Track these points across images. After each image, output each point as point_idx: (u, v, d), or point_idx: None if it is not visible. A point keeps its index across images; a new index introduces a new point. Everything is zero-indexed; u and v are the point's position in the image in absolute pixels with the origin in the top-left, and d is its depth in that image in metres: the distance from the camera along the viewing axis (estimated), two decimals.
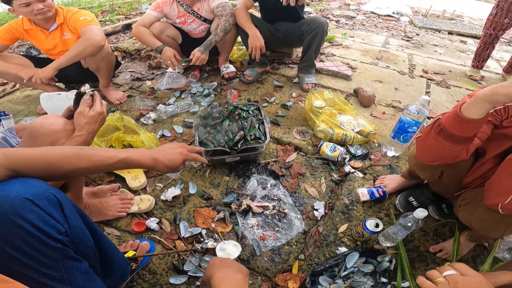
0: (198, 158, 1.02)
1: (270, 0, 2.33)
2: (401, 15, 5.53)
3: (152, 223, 1.36)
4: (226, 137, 1.61)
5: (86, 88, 1.02)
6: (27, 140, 0.95)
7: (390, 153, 1.80)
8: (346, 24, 4.60)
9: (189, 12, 2.32)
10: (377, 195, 1.51)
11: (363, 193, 1.53)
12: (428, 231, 1.43)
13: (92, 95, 1.04)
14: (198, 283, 1.15)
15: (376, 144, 1.90)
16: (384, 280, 1.18)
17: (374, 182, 1.65)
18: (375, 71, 2.89)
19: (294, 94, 2.36)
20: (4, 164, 0.65)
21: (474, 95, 0.79)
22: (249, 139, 1.63)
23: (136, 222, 1.36)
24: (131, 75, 2.63)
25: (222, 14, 2.21)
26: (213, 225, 1.37)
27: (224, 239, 1.31)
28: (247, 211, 1.43)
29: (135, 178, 1.55)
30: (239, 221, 1.40)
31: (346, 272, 1.19)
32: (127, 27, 3.69)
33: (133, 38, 3.29)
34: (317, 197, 1.56)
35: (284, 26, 2.43)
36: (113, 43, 3.26)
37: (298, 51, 3.04)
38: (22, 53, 2.56)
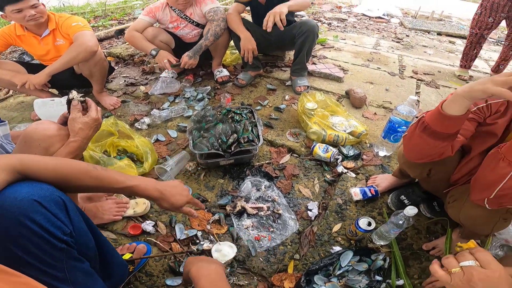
0: (199, 203, 1.06)
1: (261, 4, 2.37)
2: (391, 17, 5.59)
3: (147, 226, 1.37)
4: (219, 140, 1.63)
5: (73, 94, 1.04)
6: (21, 146, 0.96)
7: (382, 153, 1.83)
8: (338, 26, 4.65)
9: (181, 17, 2.34)
10: (370, 195, 1.54)
11: (356, 192, 1.56)
12: (420, 229, 1.45)
13: (83, 101, 1.05)
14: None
15: (368, 145, 1.93)
16: (378, 278, 1.20)
17: (366, 181, 1.68)
18: (366, 73, 2.93)
19: (287, 97, 2.39)
20: (17, 168, 0.67)
21: (454, 93, 0.83)
22: (242, 142, 1.65)
23: (132, 225, 1.37)
24: (125, 81, 2.64)
25: (214, 19, 2.23)
26: (208, 226, 1.39)
27: (220, 241, 1.32)
28: (242, 213, 1.45)
29: None
30: (234, 222, 1.42)
31: (341, 271, 1.21)
32: (120, 32, 3.69)
33: (126, 43, 3.30)
34: (310, 197, 1.58)
35: (276, 29, 2.46)
36: (106, 49, 3.27)
37: (290, 54, 3.07)
38: (14, 59, 2.55)
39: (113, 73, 2.71)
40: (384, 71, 3.01)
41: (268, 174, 1.68)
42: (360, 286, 1.17)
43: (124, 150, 1.76)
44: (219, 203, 1.51)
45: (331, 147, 1.76)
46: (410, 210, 1.17)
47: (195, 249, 1.28)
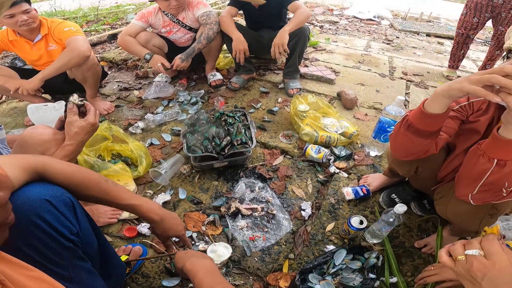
0: (188, 242, 1.09)
1: (254, 8, 2.40)
2: (381, 19, 5.68)
3: (143, 228, 1.38)
4: (213, 143, 1.65)
5: (74, 98, 1.05)
6: (17, 150, 0.97)
7: (373, 153, 1.87)
8: (329, 29, 4.71)
9: (174, 22, 2.36)
10: (361, 194, 1.57)
11: (348, 192, 1.59)
12: (412, 227, 1.48)
13: (81, 105, 1.06)
14: (191, 285, 1.18)
15: (359, 145, 1.96)
16: (372, 276, 1.22)
17: (358, 181, 1.71)
18: (357, 75, 2.98)
19: (279, 100, 2.42)
20: (38, 170, 0.70)
21: (434, 92, 0.86)
22: (235, 144, 1.67)
23: (127, 228, 1.38)
24: (118, 85, 2.65)
25: (207, 22, 2.26)
26: (203, 228, 1.41)
27: (215, 241, 1.34)
28: (236, 214, 1.47)
29: (125, 185, 1.57)
30: (228, 223, 1.43)
31: (335, 269, 1.22)
32: (113, 37, 3.70)
33: (119, 48, 3.31)
34: (304, 197, 1.61)
35: (268, 32, 2.50)
36: (99, 53, 3.27)
37: (282, 57, 3.11)
38: (6, 64, 2.55)
39: (107, 78, 2.71)
40: (375, 72, 3.06)
41: (262, 176, 1.70)
42: (354, 284, 1.19)
43: (119, 154, 1.77)
44: (214, 205, 1.53)
45: (323, 148, 1.79)
46: (400, 208, 1.20)
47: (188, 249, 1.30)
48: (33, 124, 1.92)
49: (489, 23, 2.97)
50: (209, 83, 2.60)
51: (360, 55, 3.54)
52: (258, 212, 1.48)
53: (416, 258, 1.36)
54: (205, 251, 1.27)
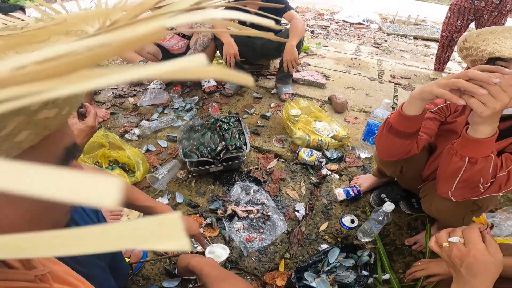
0: (203, 241, 1.11)
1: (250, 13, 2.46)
2: (370, 23, 5.78)
3: None
4: (208, 148, 1.70)
5: None
6: None
7: (363, 155, 1.93)
8: (320, 33, 4.78)
9: (167, 29, 2.40)
10: (353, 194, 1.62)
11: (340, 193, 1.63)
12: (402, 226, 1.53)
13: (80, 107, 1.08)
14: (190, 285, 1.22)
15: (350, 147, 2.03)
16: (365, 273, 1.26)
17: (349, 182, 1.76)
18: (347, 79, 3.05)
19: (272, 105, 2.48)
20: None
21: (410, 95, 0.91)
22: (230, 149, 1.72)
23: None
24: (113, 93, 2.68)
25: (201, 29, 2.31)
26: (201, 230, 1.45)
27: (213, 243, 1.38)
28: (232, 216, 1.52)
29: None
30: (225, 225, 1.48)
31: (329, 267, 1.26)
32: None
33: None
34: (297, 199, 1.66)
35: (261, 38, 2.56)
36: None
37: (275, 63, 3.17)
38: None
39: None
40: (364, 76, 3.14)
41: (257, 179, 1.75)
42: (348, 281, 1.23)
43: (116, 161, 1.81)
44: (211, 208, 1.57)
45: (315, 151, 1.85)
46: (388, 206, 1.26)
47: (189, 252, 1.34)
48: None
49: (472, 25, 3.04)
50: (203, 89, 2.64)
51: (350, 59, 3.63)
52: (254, 214, 1.53)
53: (407, 255, 1.40)
54: (203, 253, 1.31)
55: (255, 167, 1.83)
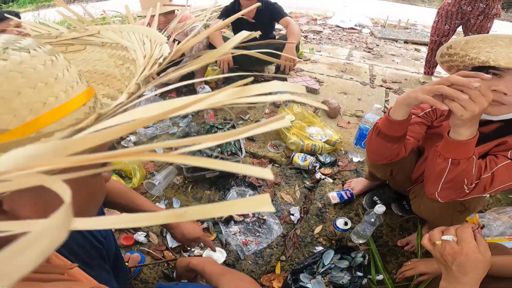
0: (209, 243, 1.13)
1: (245, 23, 2.50)
2: (362, 27, 5.85)
3: (139, 236, 1.43)
4: (204, 155, 1.73)
5: None
6: None
7: (356, 159, 1.98)
8: (313, 39, 4.84)
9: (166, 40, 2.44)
10: (346, 197, 1.66)
11: (333, 196, 1.67)
12: (394, 227, 1.56)
13: None
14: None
15: (343, 152, 2.07)
16: (359, 274, 1.29)
17: (342, 186, 1.79)
18: (340, 84, 3.11)
19: (267, 111, 2.51)
20: None
21: (396, 100, 0.95)
22: (226, 155, 1.76)
23: (125, 237, 1.43)
24: None
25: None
26: None
27: None
28: (229, 220, 1.55)
29: None
30: (222, 229, 1.51)
31: (324, 269, 1.29)
32: None
33: None
34: (292, 203, 1.69)
35: (256, 45, 2.59)
36: None
37: (269, 68, 3.22)
38: None
39: None
40: (356, 81, 3.20)
41: (252, 184, 1.78)
42: (343, 282, 1.26)
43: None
44: None
45: (309, 156, 1.89)
46: (379, 208, 1.30)
47: (187, 256, 1.37)
48: None
49: (460, 29, 3.08)
50: None
51: (342, 64, 3.68)
52: (250, 218, 1.56)
53: (399, 256, 1.43)
54: (200, 256, 1.34)
55: None
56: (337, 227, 1.40)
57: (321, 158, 1.96)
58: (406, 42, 5.07)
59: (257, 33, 0.41)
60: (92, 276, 0.58)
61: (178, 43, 2.50)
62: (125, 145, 2.09)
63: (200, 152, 1.74)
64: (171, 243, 1.43)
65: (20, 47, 0.30)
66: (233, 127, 1.98)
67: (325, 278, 1.29)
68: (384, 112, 2.60)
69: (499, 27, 3.18)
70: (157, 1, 2.20)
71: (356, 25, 5.81)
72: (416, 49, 4.71)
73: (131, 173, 1.73)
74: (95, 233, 0.74)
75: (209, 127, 1.94)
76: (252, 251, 1.42)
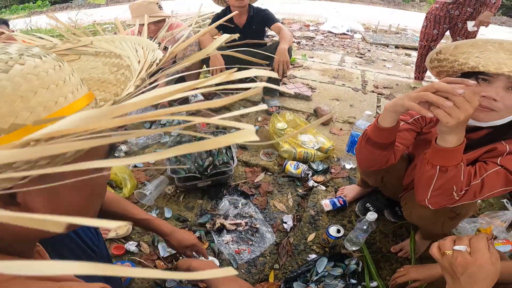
0: (203, 250, 1.14)
1: (238, 27, 2.52)
2: (354, 33, 5.90)
3: (131, 246, 1.42)
4: (196, 164, 1.73)
5: None
6: None
7: (348, 166, 1.98)
8: (306, 45, 4.87)
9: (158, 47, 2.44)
10: (339, 205, 1.66)
11: (326, 204, 1.66)
12: (387, 233, 1.56)
13: None
14: None
15: (335, 159, 2.07)
16: (353, 281, 1.29)
17: (335, 193, 1.79)
18: (333, 90, 3.12)
19: (259, 118, 2.51)
20: None
21: (384, 107, 0.95)
22: (218, 164, 1.75)
23: (115, 246, 1.42)
24: None
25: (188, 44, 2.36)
26: None
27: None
28: (221, 229, 1.54)
29: None
30: (214, 238, 1.50)
31: (318, 277, 1.29)
32: None
33: None
34: (285, 211, 1.69)
35: (248, 52, 2.60)
36: None
37: (264, 77, 3.22)
38: None
39: None
40: (348, 87, 3.22)
41: (245, 193, 1.77)
42: None
43: None
44: (199, 222, 1.58)
45: (301, 164, 1.89)
46: (371, 216, 1.31)
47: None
48: None
49: (447, 33, 3.11)
50: None
51: (335, 70, 3.71)
52: (242, 227, 1.55)
53: (393, 262, 1.43)
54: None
55: (242, 181, 1.86)
56: (330, 235, 1.40)
57: (314, 166, 1.96)
58: (397, 47, 5.12)
59: (236, 35, 0.48)
60: (84, 284, 0.58)
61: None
62: (116, 154, 2.07)
63: (191, 162, 1.73)
64: (163, 252, 1.41)
65: (33, 53, 0.35)
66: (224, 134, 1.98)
67: (318, 286, 1.28)
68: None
69: (487, 30, 3.22)
70: (146, 11, 2.24)
71: (348, 31, 5.87)
72: (406, 54, 4.76)
73: (121, 183, 1.71)
74: (88, 242, 0.75)
75: (201, 136, 1.93)
76: (245, 260, 1.41)
